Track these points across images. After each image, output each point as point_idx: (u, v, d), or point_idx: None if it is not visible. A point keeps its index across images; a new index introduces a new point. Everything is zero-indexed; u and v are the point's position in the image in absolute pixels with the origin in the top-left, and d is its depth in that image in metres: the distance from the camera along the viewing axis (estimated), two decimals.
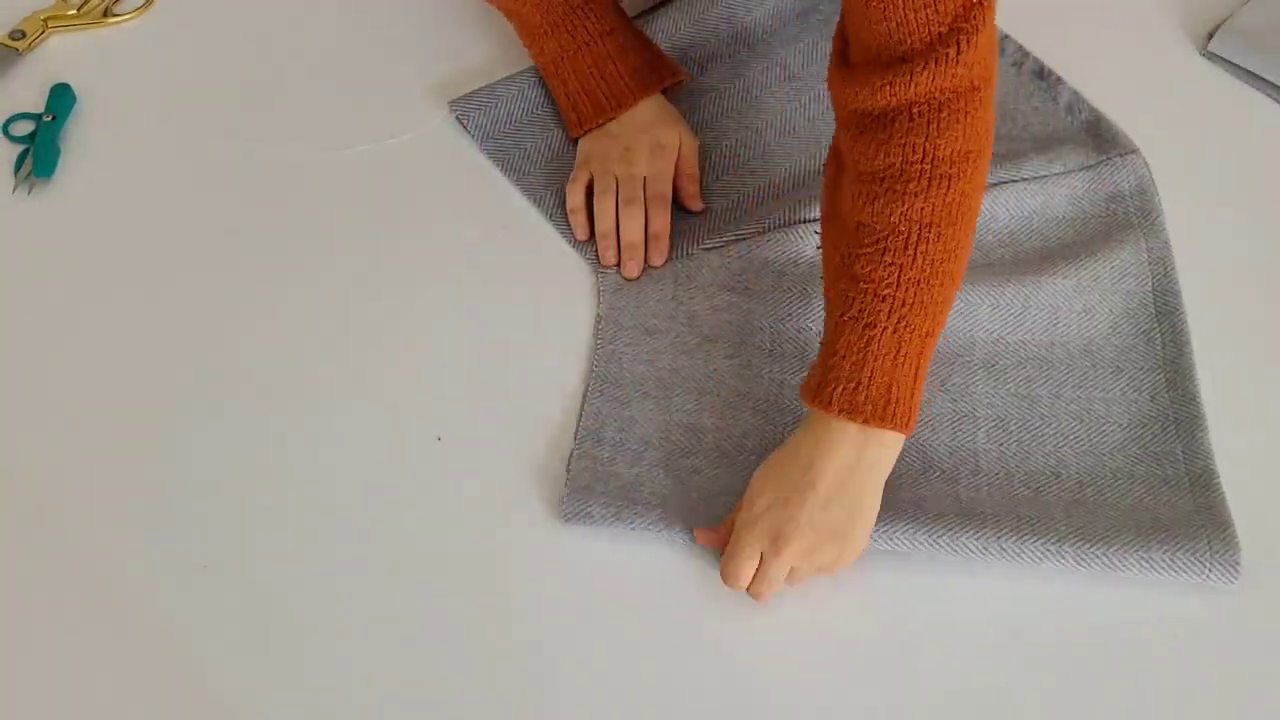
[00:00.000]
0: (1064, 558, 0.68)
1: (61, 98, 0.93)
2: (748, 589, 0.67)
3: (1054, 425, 0.76)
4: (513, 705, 0.66)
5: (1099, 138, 0.90)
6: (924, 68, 0.62)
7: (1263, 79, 0.96)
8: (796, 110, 0.93)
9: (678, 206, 0.87)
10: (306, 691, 0.66)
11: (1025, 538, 0.69)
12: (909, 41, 0.61)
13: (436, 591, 0.70)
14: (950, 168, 0.64)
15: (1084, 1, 1.03)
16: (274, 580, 0.70)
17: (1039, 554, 0.69)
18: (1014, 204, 0.86)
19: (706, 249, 0.85)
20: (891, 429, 0.65)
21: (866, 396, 0.65)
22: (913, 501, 0.72)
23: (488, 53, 0.96)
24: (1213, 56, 0.98)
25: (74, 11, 1.00)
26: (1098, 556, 0.68)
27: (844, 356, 0.65)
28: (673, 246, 0.84)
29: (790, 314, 0.81)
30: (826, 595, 0.70)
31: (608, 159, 0.85)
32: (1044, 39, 0.97)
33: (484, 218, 0.87)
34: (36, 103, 0.93)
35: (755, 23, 0.98)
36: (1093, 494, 0.73)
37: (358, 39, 0.99)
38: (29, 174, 0.88)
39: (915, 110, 0.63)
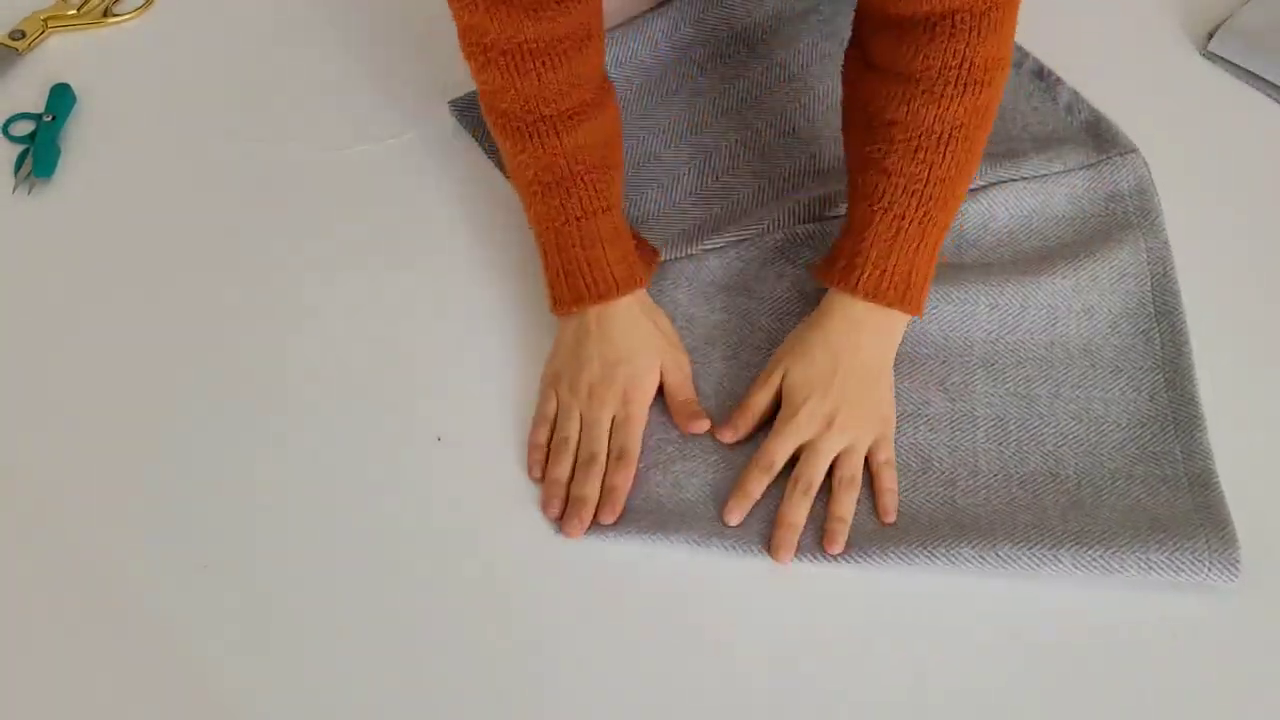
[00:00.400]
0: (1061, 562, 0.68)
1: (61, 98, 0.93)
2: (799, 474, 0.71)
3: (1053, 425, 0.76)
4: (512, 705, 0.66)
5: (1098, 137, 0.90)
6: None
7: (1262, 79, 0.96)
8: (796, 110, 0.93)
9: None
10: (306, 691, 0.66)
11: (1022, 545, 0.69)
12: None
13: (436, 591, 0.70)
14: (984, 74, 0.68)
15: (1084, 1, 1.03)
16: (274, 580, 0.70)
17: (1036, 561, 0.68)
18: (1013, 203, 0.86)
19: (706, 249, 0.84)
20: (907, 311, 0.72)
21: (890, 283, 0.71)
22: (908, 514, 0.72)
23: None
24: (1213, 56, 0.98)
25: (74, 11, 1.00)
26: (1097, 560, 0.68)
27: (872, 244, 0.71)
28: (673, 247, 0.84)
29: (790, 314, 0.81)
30: (826, 596, 0.70)
31: (575, 391, 0.74)
32: (1044, 39, 0.97)
33: (483, 218, 0.87)
34: (36, 103, 0.93)
35: (755, 23, 0.98)
36: (1091, 494, 0.73)
37: (357, 39, 0.99)
38: (29, 174, 0.88)
39: (958, 18, 0.66)
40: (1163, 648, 0.68)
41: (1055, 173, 0.87)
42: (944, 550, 0.69)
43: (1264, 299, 0.83)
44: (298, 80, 0.96)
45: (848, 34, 1.00)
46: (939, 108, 0.69)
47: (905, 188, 0.70)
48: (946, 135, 0.70)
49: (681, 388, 0.76)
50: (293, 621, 0.68)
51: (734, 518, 0.71)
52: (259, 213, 0.87)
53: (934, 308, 0.80)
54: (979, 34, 0.67)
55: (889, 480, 0.72)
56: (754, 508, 0.72)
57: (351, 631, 0.68)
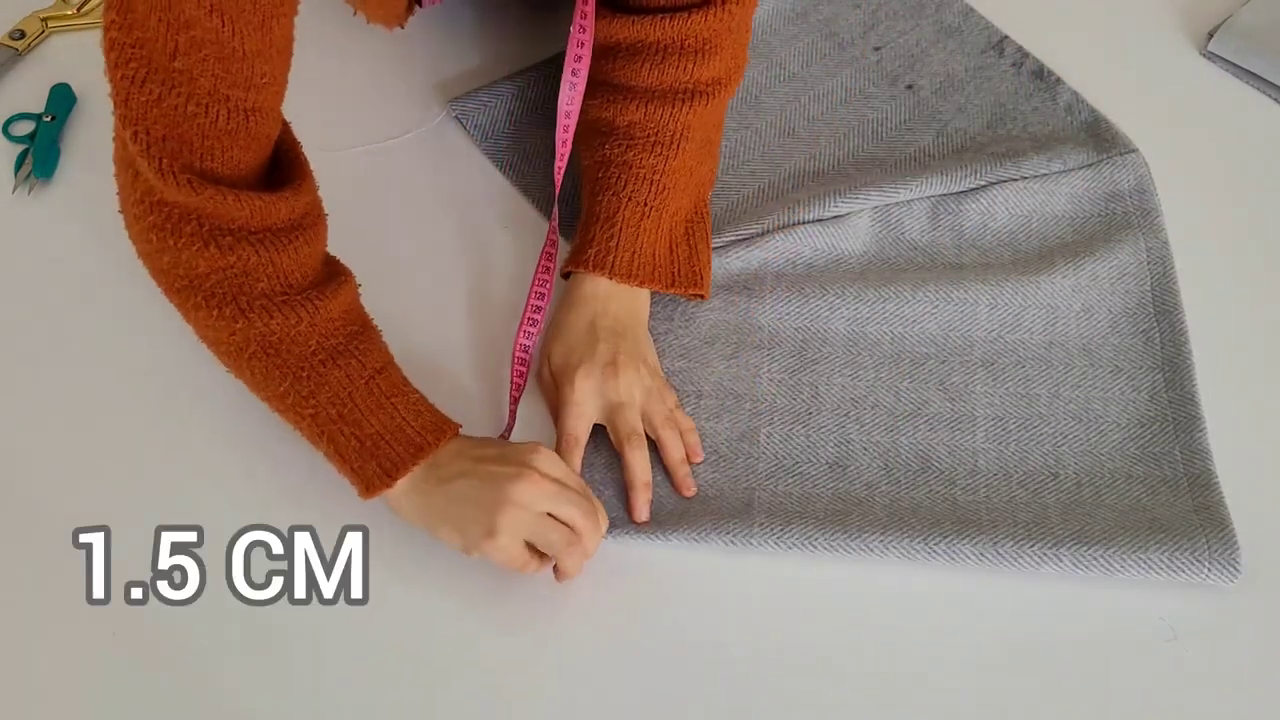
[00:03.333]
0: (1062, 561, 0.68)
1: (61, 98, 0.93)
2: (618, 433, 0.73)
3: (1052, 425, 0.76)
4: (512, 705, 0.66)
5: (1098, 137, 0.90)
6: (700, 13, 0.76)
7: (1262, 79, 0.96)
8: (796, 110, 0.94)
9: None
10: (306, 691, 0.66)
11: (1022, 543, 0.69)
12: None
13: (435, 592, 0.70)
14: (712, 87, 0.79)
15: (1084, 2, 1.03)
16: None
17: (1037, 559, 0.69)
18: (1013, 203, 0.86)
19: None
20: (652, 286, 0.78)
21: (639, 263, 0.77)
22: (909, 508, 0.72)
23: (487, 53, 0.96)
24: (1213, 56, 0.98)
25: (74, 11, 1.00)
26: (1097, 559, 0.68)
27: (622, 229, 0.77)
28: None
29: (789, 314, 0.81)
30: (826, 595, 0.70)
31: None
32: (1044, 39, 0.97)
33: (483, 218, 0.87)
34: (36, 103, 0.93)
35: (754, 23, 0.98)
36: (1090, 495, 0.73)
37: (357, 39, 0.99)
38: (29, 174, 0.88)
39: (687, 44, 0.77)
40: (1162, 647, 0.68)
41: (1055, 172, 0.87)
42: (944, 547, 0.69)
43: (1264, 299, 0.83)
44: (297, 80, 0.95)
45: (848, 34, 1.00)
46: (673, 110, 0.78)
47: (645, 178, 0.78)
48: (680, 135, 0.78)
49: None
50: (292, 621, 0.68)
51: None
52: None
53: (934, 307, 0.80)
54: (704, 57, 0.77)
55: (685, 420, 0.75)
56: (758, 505, 0.72)
57: (350, 631, 0.68)
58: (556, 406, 0.75)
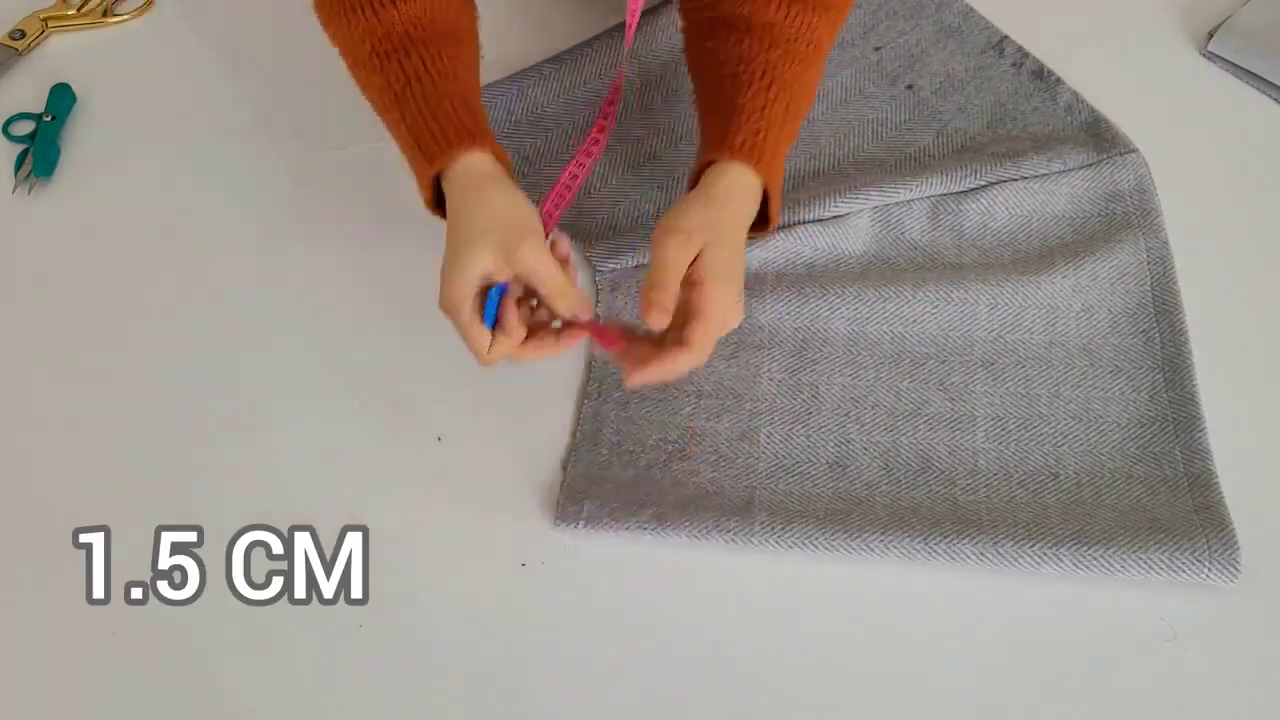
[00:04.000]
0: (1062, 561, 0.68)
1: (61, 97, 0.93)
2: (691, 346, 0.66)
3: (1053, 425, 0.76)
4: (511, 706, 0.66)
5: (1098, 137, 0.90)
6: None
7: (1263, 79, 0.96)
8: None
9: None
10: (306, 691, 0.66)
11: (1023, 543, 0.69)
12: None
13: (435, 592, 0.70)
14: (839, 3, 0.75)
15: (1084, 2, 1.03)
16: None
17: (1037, 559, 0.69)
18: (1013, 203, 0.86)
19: None
20: (774, 182, 0.72)
21: (779, 166, 0.72)
22: (910, 508, 0.72)
23: (487, 52, 0.96)
24: (1213, 56, 0.98)
25: (74, 11, 1.00)
26: (1097, 559, 0.68)
27: (769, 127, 0.71)
28: None
29: (789, 313, 0.81)
30: (826, 595, 0.70)
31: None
32: (1044, 39, 0.97)
33: None
34: (36, 102, 0.93)
35: None
36: (1091, 495, 0.73)
37: None
38: (29, 174, 0.88)
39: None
40: (1162, 648, 0.68)
41: (1055, 172, 0.87)
42: (945, 547, 0.69)
43: (1264, 299, 0.83)
44: (297, 79, 0.96)
45: (848, 34, 1.00)
46: (809, 23, 0.73)
47: (787, 83, 0.72)
48: (814, 47, 0.74)
49: (533, 266, 0.66)
50: (292, 622, 0.68)
51: (634, 380, 0.67)
52: (259, 212, 0.87)
53: (934, 307, 0.80)
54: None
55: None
56: (758, 504, 0.72)
57: (350, 631, 0.68)
58: (671, 271, 0.66)
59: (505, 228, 0.66)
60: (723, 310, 0.67)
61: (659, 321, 0.65)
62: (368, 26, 0.71)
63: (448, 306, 0.66)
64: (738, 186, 0.70)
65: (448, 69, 0.71)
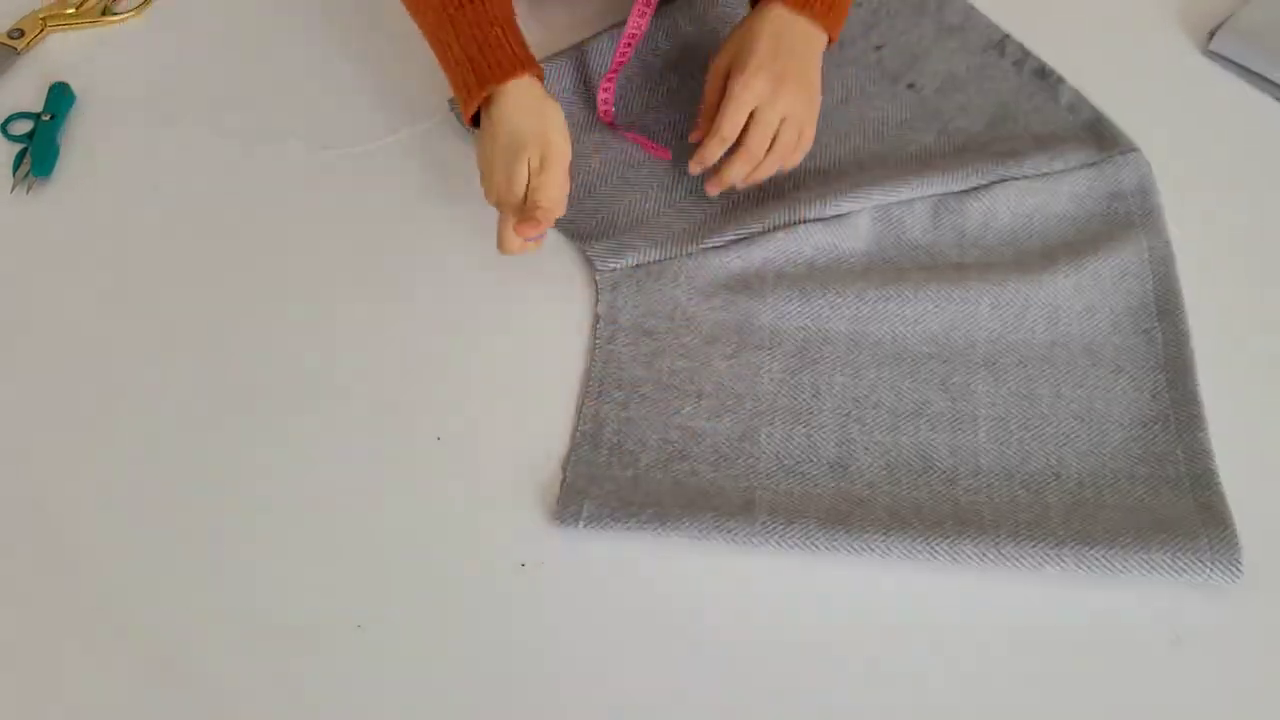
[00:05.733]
0: (1064, 561, 0.68)
1: (60, 96, 0.93)
2: (742, 142, 0.81)
3: (1054, 425, 0.76)
4: (511, 706, 0.66)
5: (1100, 136, 0.90)
6: None
7: (1264, 78, 0.96)
8: None
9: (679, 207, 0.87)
10: (306, 691, 0.66)
11: (1024, 543, 0.69)
12: None
13: (435, 592, 0.69)
14: None
15: (1085, 1, 1.03)
16: (274, 580, 0.70)
17: (1039, 559, 0.68)
18: (1015, 202, 0.86)
19: (706, 249, 0.84)
20: (826, 29, 0.82)
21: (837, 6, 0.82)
22: (911, 508, 0.71)
23: None
24: (1214, 55, 0.98)
25: (72, 10, 1.00)
26: (1099, 560, 0.68)
27: None
28: (673, 246, 0.84)
29: (791, 313, 0.81)
30: (827, 596, 0.69)
31: (490, 186, 0.80)
32: (1045, 38, 0.97)
33: (482, 216, 0.87)
34: (35, 101, 0.93)
35: None
36: (1093, 495, 0.72)
37: (357, 37, 0.99)
38: (28, 173, 0.88)
39: None
40: (1164, 648, 0.68)
41: (1057, 171, 0.87)
42: (946, 547, 0.69)
43: (1265, 299, 0.83)
44: (296, 78, 0.96)
45: (849, 33, 1.00)
46: None
47: None
48: None
49: (547, 181, 0.77)
50: (292, 621, 0.68)
51: (695, 169, 0.83)
52: (258, 211, 0.87)
53: (936, 307, 0.80)
54: None
55: (796, 154, 0.83)
56: (759, 504, 0.71)
57: (349, 632, 0.68)
58: (713, 96, 0.82)
59: (545, 143, 0.77)
60: (747, 91, 0.79)
61: (697, 136, 0.84)
62: None
63: (506, 195, 0.77)
64: (775, 13, 0.81)
65: None
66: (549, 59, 0.94)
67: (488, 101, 0.78)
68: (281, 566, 0.70)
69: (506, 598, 0.69)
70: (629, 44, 0.88)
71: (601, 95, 0.90)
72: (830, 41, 0.83)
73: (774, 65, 0.79)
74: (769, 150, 0.81)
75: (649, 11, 0.87)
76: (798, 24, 0.81)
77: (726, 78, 0.81)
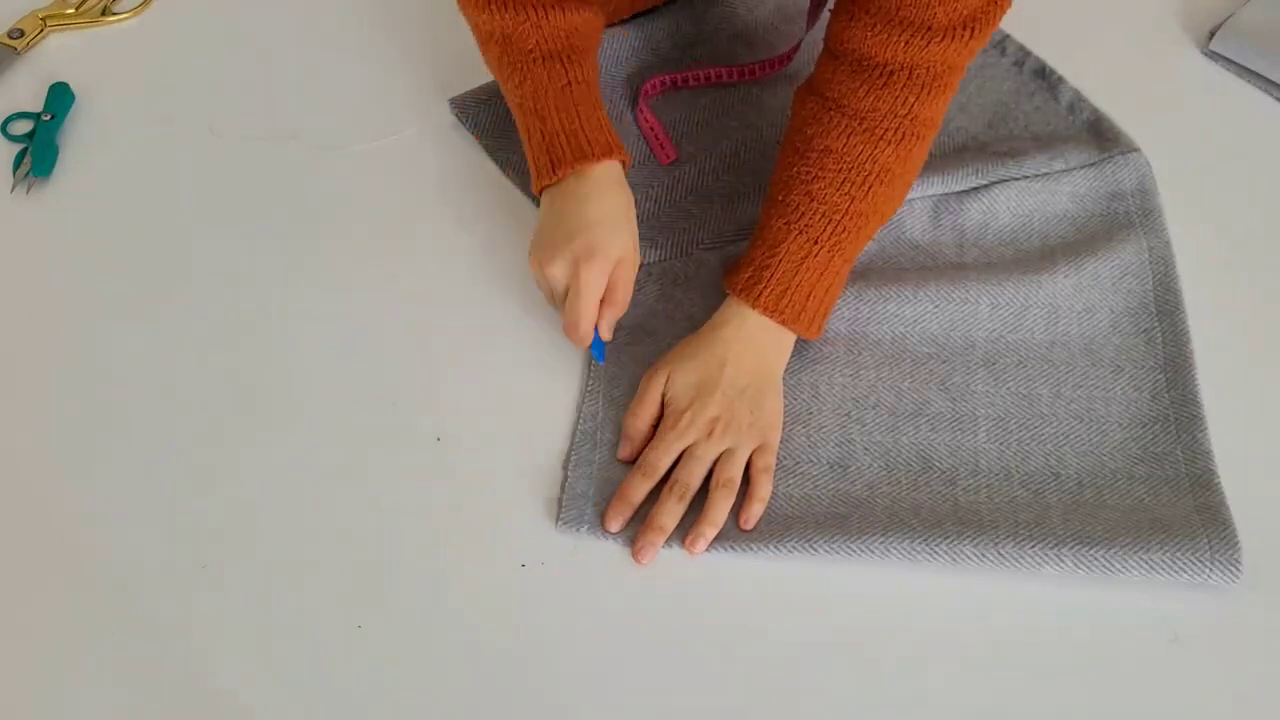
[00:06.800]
0: (1063, 561, 0.68)
1: (60, 96, 0.93)
2: (676, 477, 0.72)
3: (1054, 425, 0.76)
4: (511, 707, 0.66)
5: (1100, 136, 0.90)
6: (942, 40, 0.69)
7: (1264, 78, 0.96)
8: None
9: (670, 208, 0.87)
10: (306, 691, 0.66)
11: (1024, 544, 0.69)
12: (938, 15, 0.68)
13: (435, 592, 0.69)
14: (922, 128, 0.74)
15: (1085, 1, 1.03)
16: (273, 579, 0.70)
17: (1038, 559, 0.68)
18: (1015, 202, 0.86)
19: (706, 249, 0.84)
20: (800, 334, 0.75)
21: (790, 301, 0.74)
22: (910, 509, 0.71)
23: None
24: (1214, 55, 0.98)
25: (72, 10, 1.00)
26: (1098, 560, 0.68)
27: (782, 260, 0.74)
28: (673, 246, 0.84)
29: None
30: (827, 597, 0.69)
31: (543, 259, 0.74)
32: (1045, 38, 0.97)
33: (483, 216, 0.87)
34: (35, 101, 0.93)
35: (756, 22, 0.98)
36: (1092, 495, 0.72)
37: (357, 37, 0.99)
38: (28, 173, 0.88)
39: (916, 73, 0.71)
40: (1163, 648, 0.68)
41: (1057, 171, 0.87)
42: (946, 546, 0.69)
43: (1265, 298, 0.83)
44: (296, 78, 0.96)
45: None
46: (874, 148, 0.73)
47: (825, 214, 0.74)
48: (874, 176, 0.73)
49: (624, 278, 0.74)
50: (292, 621, 0.68)
51: (614, 525, 0.71)
52: (258, 211, 0.87)
53: (935, 307, 0.80)
54: (930, 92, 0.72)
55: (763, 489, 0.72)
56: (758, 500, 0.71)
57: (349, 632, 0.68)
58: (650, 410, 0.74)
59: (626, 240, 0.74)
60: (680, 425, 0.72)
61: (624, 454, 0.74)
62: (535, 24, 0.76)
63: (588, 285, 0.72)
64: (732, 326, 0.75)
65: (594, 79, 0.79)
66: None
67: (563, 176, 0.75)
68: (282, 566, 0.70)
69: (507, 598, 0.69)
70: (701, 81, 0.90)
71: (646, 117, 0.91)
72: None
73: (708, 409, 0.72)
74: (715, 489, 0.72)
75: (728, 79, 0.89)
76: (758, 336, 0.74)
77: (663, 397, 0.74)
